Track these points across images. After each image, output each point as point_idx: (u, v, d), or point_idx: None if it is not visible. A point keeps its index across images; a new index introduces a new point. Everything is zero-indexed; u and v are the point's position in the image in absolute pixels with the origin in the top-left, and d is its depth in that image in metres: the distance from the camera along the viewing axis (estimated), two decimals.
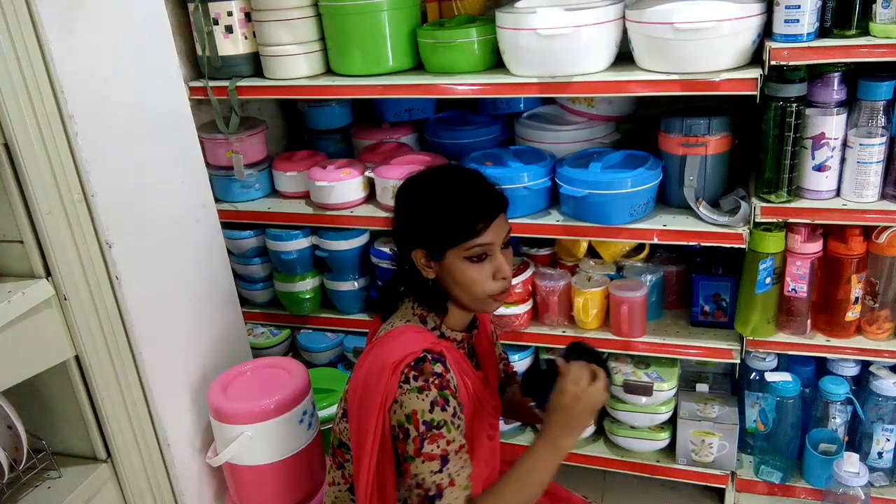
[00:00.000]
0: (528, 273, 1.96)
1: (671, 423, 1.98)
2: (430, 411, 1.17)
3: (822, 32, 1.53)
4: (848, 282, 1.71)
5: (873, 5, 1.47)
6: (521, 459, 1.18)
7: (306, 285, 2.16)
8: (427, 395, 1.17)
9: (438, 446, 1.16)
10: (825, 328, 1.79)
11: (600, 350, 1.36)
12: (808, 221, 1.66)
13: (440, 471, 1.15)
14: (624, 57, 1.72)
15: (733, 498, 1.97)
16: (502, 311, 1.94)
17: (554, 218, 1.85)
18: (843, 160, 1.62)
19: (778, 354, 1.88)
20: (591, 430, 2.08)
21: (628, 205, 1.74)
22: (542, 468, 1.17)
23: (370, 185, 2.03)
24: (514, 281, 1.92)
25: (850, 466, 1.70)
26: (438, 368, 1.20)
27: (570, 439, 1.18)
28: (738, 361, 1.85)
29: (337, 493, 1.41)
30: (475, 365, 1.40)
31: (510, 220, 1.84)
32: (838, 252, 1.70)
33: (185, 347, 1.78)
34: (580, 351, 1.27)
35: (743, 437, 1.95)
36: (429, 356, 1.21)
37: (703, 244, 1.73)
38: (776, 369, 1.87)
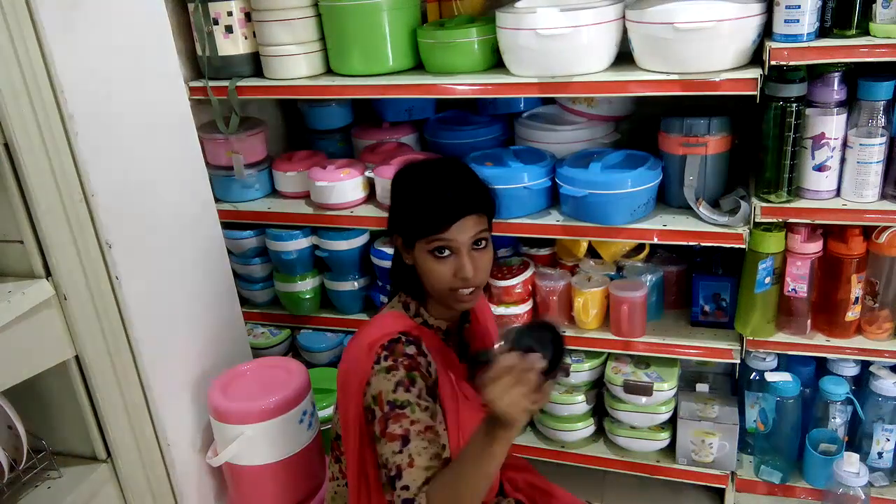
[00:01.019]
0: (528, 273, 1.96)
1: (671, 423, 1.98)
2: (394, 391, 1.17)
3: (822, 32, 1.53)
4: (848, 282, 1.71)
5: (873, 5, 1.47)
6: (464, 450, 1.13)
7: (306, 285, 2.16)
8: (394, 376, 1.18)
9: (401, 426, 1.15)
10: (825, 328, 1.79)
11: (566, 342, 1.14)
12: (808, 221, 1.66)
13: (400, 451, 1.14)
14: (624, 57, 1.71)
15: (733, 498, 1.97)
16: (502, 310, 1.94)
17: (554, 218, 1.85)
18: (843, 160, 1.62)
19: (778, 354, 1.88)
20: (590, 429, 2.08)
21: (628, 205, 1.74)
22: (482, 459, 1.08)
23: (370, 185, 2.03)
24: (514, 281, 1.92)
25: (850, 466, 1.70)
26: (411, 350, 1.21)
27: (504, 431, 1.06)
28: (738, 361, 1.84)
29: (336, 487, 1.41)
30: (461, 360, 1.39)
31: (511, 221, 1.85)
32: (838, 252, 1.70)
33: (185, 347, 1.78)
34: (533, 337, 1.10)
35: (743, 437, 1.95)
36: (403, 338, 1.22)
37: (703, 244, 1.73)
38: (776, 369, 1.87)
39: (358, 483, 1.29)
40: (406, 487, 1.11)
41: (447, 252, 1.22)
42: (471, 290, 1.25)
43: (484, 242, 1.25)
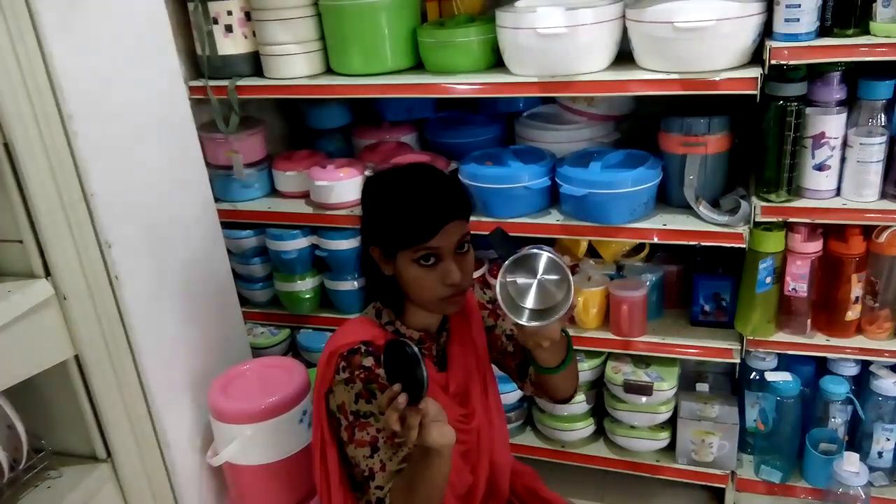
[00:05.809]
0: None
1: (671, 422, 1.98)
2: (356, 402, 1.22)
3: (823, 31, 1.53)
4: (848, 281, 1.71)
5: (873, 4, 1.47)
6: (410, 463, 1.19)
7: (306, 285, 2.16)
8: (352, 388, 1.22)
9: (368, 433, 1.22)
10: (825, 328, 1.79)
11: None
12: (808, 221, 1.66)
13: (371, 456, 1.22)
14: (624, 56, 1.71)
15: (733, 498, 1.97)
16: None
17: (554, 218, 1.85)
18: (843, 159, 1.62)
19: (778, 354, 1.88)
20: (590, 429, 2.08)
21: (628, 204, 1.74)
22: (423, 474, 1.14)
23: None
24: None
25: (850, 466, 1.70)
26: (368, 362, 1.22)
27: (433, 446, 1.10)
28: (738, 361, 1.84)
29: None
30: (439, 368, 1.36)
31: (511, 221, 1.85)
32: (838, 251, 1.70)
33: (185, 347, 1.78)
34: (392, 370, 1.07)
35: (743, 437, 1.95)
36: (362, 349, 1.24)
37: (703, 244, 1.73)
38: (776, 369, 1.87)
39: (321, 478, 1.34)
40: (380, 487, 1.21)
41: (433, 259, 1.21)
42: (455, 294, 1.24)
43: (466, 245, 1.25)
